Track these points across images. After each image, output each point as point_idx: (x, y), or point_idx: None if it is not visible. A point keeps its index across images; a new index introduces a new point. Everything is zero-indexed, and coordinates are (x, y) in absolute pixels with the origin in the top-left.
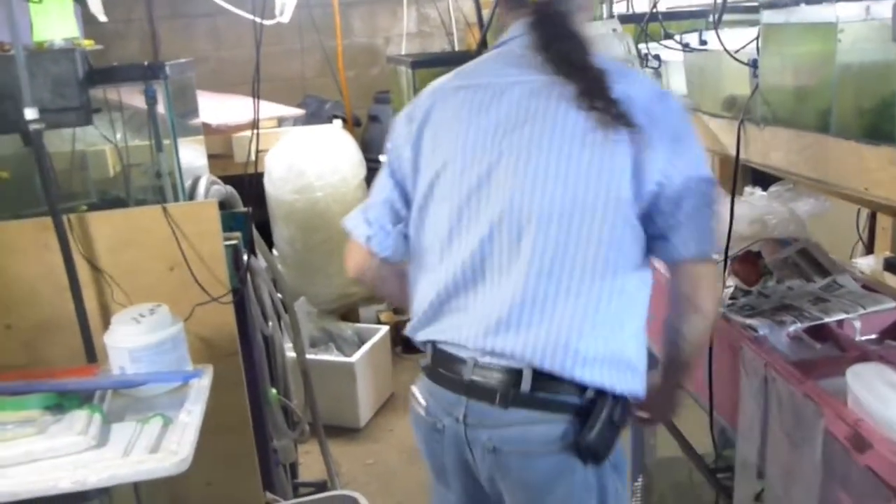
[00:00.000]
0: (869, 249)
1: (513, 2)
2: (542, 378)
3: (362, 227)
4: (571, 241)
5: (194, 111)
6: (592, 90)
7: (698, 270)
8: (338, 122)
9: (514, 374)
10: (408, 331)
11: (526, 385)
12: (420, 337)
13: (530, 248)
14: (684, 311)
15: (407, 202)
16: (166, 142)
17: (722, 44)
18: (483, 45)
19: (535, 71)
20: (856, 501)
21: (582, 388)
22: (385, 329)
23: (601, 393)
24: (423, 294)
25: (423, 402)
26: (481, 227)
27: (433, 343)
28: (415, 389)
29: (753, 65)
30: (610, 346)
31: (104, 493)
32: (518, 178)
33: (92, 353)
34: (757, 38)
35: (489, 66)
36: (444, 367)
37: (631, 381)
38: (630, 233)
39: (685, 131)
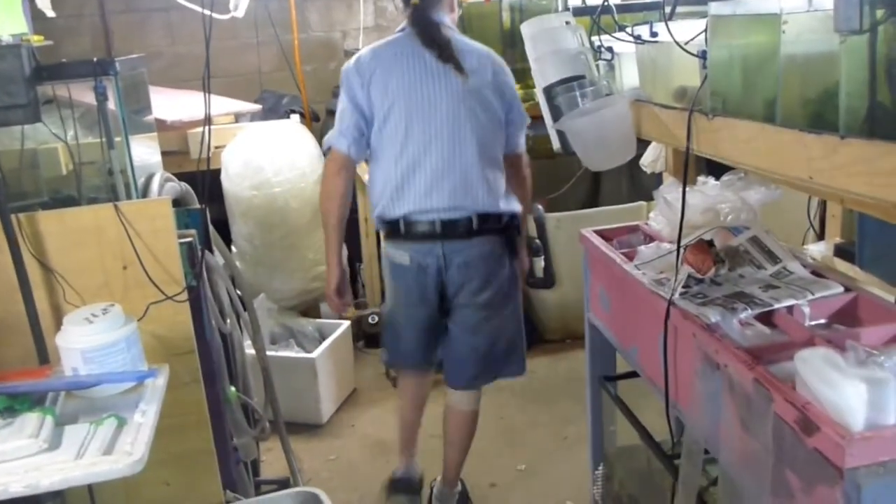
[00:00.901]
0: (820, 236)
1: (404, 3)
2: (482, 217)
3: (342, 141)
4: (487, 139)
5: (147, 107)
6: (443, 52)
7: (525, 158)
8: (295, 117)
9: (468, 219)
10: (377, 212)
11: (475, 223)
12: (394, 214)
13: (466, 144)
14: (525, 179)
15: (366, 123)
16: (118, 139)
17: (672, 35)
18: None
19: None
20: (805, 483)
21: (499, 217)
22: (346, 324)
23: (510, 216)
24: (384, 183)
25: (405, 256)
26: (426, 134)
27: (405, 216)
28: (391, 251)
29: (703, 56)
30: (502, 191)
31: (57, 496)
32: (447, 101)
33: (44, 355)
34: (705, 30)
35: (403, 42)
36: (418, 228)
37: (515, 205)
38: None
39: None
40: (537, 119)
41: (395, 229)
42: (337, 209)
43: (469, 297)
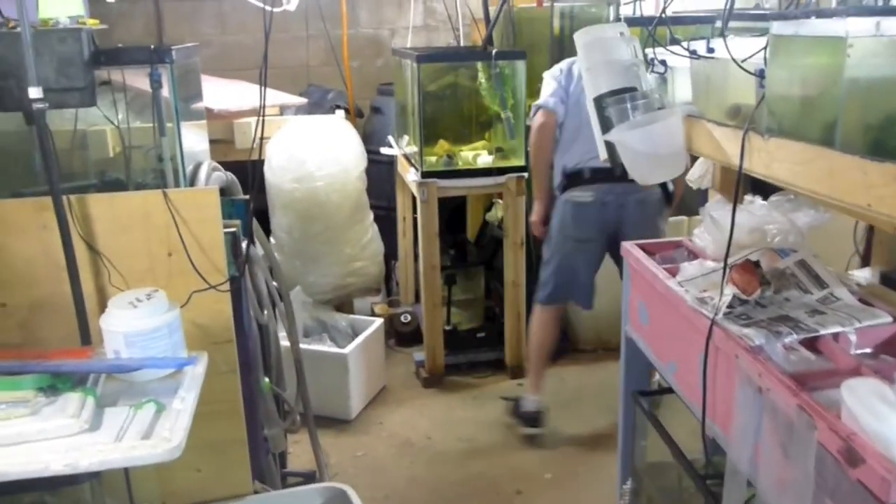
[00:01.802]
0: (865, 262)
1: None
2: None
3: (552, 101)
4: None
5: (198, 96)
6: None
7: None
8: (340, 113)
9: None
10: (572, 167)
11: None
12: (580, 165)
13: None
14: None
15: (562, 99)
16: (169, 126)
17: (729, 52)
18: (489, 42)
19: None
20: None
21: None
22: (379, 322)
23: None
24: (573, 145)
25: (586, 195)
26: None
27: (589, 166)
28: (572, 194)
29: (760, 75)
30: None
31: (94, 476)
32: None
33: (87, 336)
34: (765, 49)
35: None
36: (598, 173)
37: None
38: None
39: None
40: None
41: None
42: (545, 155)
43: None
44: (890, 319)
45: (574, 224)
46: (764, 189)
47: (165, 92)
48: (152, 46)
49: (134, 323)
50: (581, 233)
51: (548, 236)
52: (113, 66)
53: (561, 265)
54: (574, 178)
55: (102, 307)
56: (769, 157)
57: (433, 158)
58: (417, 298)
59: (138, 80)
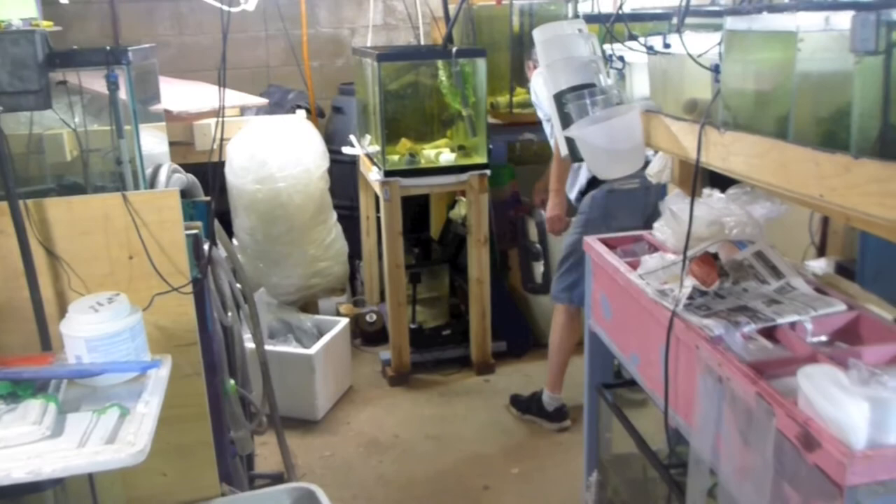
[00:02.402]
0: (820, 252)
1: None
2: None
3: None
4: None
5: (156, 97)
6: None
7: None
8: (301, 113)
9: None
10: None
11: None
12: None
13: None
14: None
15: None
16: (127, 128)
17: (685, 48)
18: (449, 40)
19: None
20: (804, 499)
21: None
22: (345, 321)
23: None
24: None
25: (632, 182)
26: None
27: None
28: (615, 184)
29: (716, 69)
30: None
31: (58, 483)
32: None
33: (47, 342)
34: (719, 44)
35: None
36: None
37: None
38: None
39: None
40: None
41: None
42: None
43: None
44: (844, 308)
45: (621, 212)
46: (722, 182)
47: (123, 94)
48: (108, 48)
49: (95, 327)
50: (628, 221)
51: (573, 232)
52: (68, 69)
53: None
54: None
55: (62, 312)
56: (725, 151)
57: (395, 157)
58: (382, 297)
59: (95, 82)
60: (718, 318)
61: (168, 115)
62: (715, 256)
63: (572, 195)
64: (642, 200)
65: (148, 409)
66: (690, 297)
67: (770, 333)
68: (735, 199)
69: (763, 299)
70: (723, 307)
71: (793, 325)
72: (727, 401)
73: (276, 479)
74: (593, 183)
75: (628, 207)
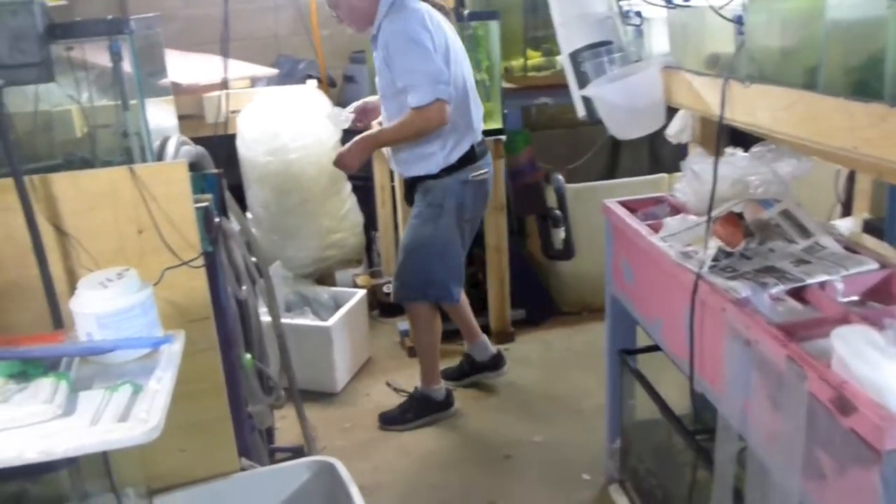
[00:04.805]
0: (846, 211)
1: None
2: None
3: (444, 90)
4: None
5: (162, 70)
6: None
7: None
8: (312, 83)
9: None
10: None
11: None
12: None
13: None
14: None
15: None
16: (133, 101)
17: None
18: (461, 4)
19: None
20: (839, 464)
21: None
22: (362, 293)
23: None
24: (465, 121)
25: (485, 171)
26: (469, 88)
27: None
28: (479, 168)
29: (738, 21)
30: None
31: (72, 462)
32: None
33: (58, 319)
34: None
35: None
36: (484, 148)
37: None
38: None
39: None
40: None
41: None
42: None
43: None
44: (876, 266)
45: (473, 203)
46: (744, 143)
47: (127, 65)
48: (110, 17)
49: (105, 304)
50: (479, 211)
51: (423, 223)
52: (70, 40)
53: (445, 254)
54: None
55: (73, 289)
56: (751, 105)
57: None
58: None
59: (100, 55)
60: (745, 279)
61: (177, 89)
62: (740, 216)
63: (410, 173)
64: (488, 189)
65: (161, 386)
66: (715, 259)
67: (799, 294)
68: (759, 157)
69: (791, 259)
70: (749, 268)
71: (822, 285)
72: (756, 365)
73: (297, 452)
74: (449, 170)
75: (479, 197)
